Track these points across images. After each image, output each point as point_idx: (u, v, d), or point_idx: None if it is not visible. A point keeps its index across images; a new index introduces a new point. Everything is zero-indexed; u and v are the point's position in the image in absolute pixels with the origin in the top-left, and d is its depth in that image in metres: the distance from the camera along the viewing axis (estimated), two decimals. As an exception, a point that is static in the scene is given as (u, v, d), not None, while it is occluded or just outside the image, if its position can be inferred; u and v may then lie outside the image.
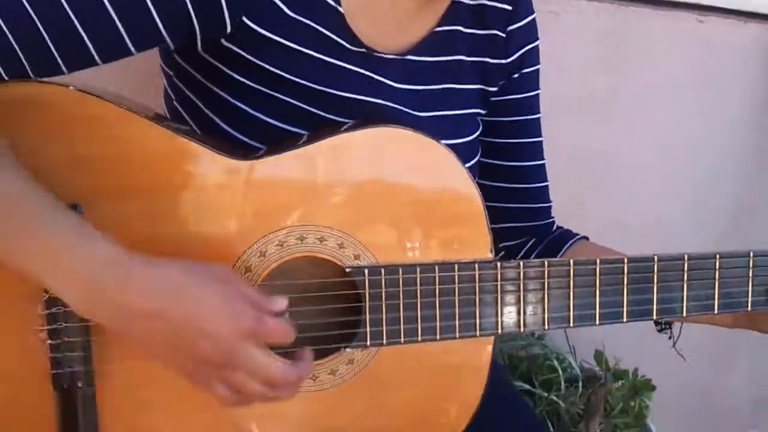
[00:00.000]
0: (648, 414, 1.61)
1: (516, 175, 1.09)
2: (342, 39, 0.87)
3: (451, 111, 0.97)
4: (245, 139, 0.86)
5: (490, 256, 0.87)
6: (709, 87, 1.83)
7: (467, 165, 0.89)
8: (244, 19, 0.82)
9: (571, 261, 0.88)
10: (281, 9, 0.83)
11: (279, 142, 0.84)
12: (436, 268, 0.85)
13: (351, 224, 0.83)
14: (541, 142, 1.10)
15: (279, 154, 0.81)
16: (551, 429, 1.48)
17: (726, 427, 2.10)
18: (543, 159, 1.10)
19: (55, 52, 0.75)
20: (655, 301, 0.90)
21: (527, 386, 1.49)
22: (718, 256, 0.91)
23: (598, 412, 1.48)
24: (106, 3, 0.75)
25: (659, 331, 1.08)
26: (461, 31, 0.97)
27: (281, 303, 0.75)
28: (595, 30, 1.73)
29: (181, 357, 0.74)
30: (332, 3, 0.86)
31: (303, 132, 0.86)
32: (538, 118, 1.09)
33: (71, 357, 0.78)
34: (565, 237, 1.10)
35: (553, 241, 1.10)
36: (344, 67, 0.88)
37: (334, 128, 0.84)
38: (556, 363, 1.52)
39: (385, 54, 0.91)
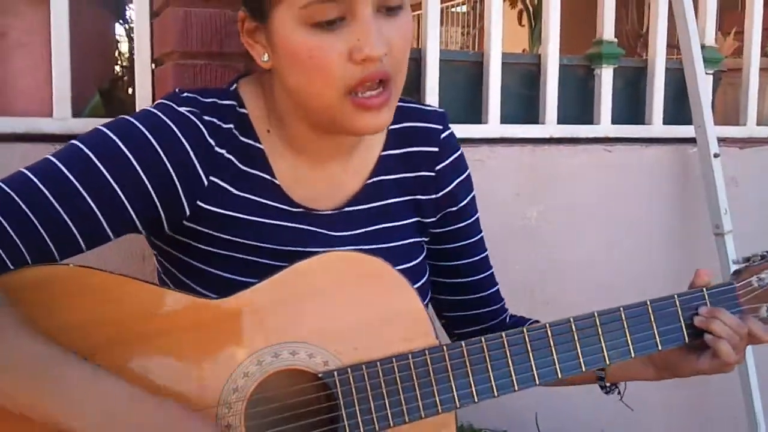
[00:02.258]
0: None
1: (466, 287, 1.26)
2: (282, 204, 1.08)
3: (390, 244, 1.14)
4: (214, 296, 1.03)
5: (436, 342, 1.04)
6: (622, 202, 2.09)
7: (416, 286, 1.07)
8: (199, 202, 1.03)
9: (503, 333, 1.05)
10: (229, 190, 1.05)
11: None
12: (393, 360, 1.02)
13: (316, 337, 1.00)
14: (486, 256, 1.26)
15: (245, 290, 1.00)
16: None
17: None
18: (485, 254, 1.27)
19: (50, 244, 0.95)
20: (580, 355, 1.07)
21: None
22: (621, 309, 1.09)
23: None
24: (91, 203, 0.96)
25: (606, 393, 1.23)
26: (391, 179, 1.15)
27: None
28: (517, 168, 1.99)
29: None
30: (269, 178, 1.07)
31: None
32: (481, 237, 1.26)
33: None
34: (521, 323, 1.27)
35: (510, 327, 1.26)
36: (287, 226, 1.08)
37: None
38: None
39: (321, 211, 1.10)
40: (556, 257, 2.03)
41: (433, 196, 1.19)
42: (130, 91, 2.19)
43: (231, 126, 1.05)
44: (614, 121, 2.19)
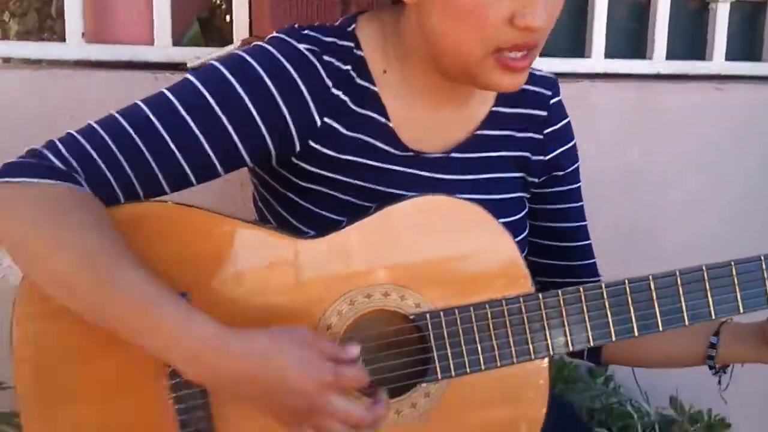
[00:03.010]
0: (728, 450, 1.66)
1: (562, 251, 1.23)
2: (392, 147, 1.06)
3: (494, 195, 1.12)
4: (306, 229, 1.05)
5: (532, 289, 1.02)
6: (731, 145, 1.98)
7: (516, 240, 1.04)
8: (311, 142, 1.02)
9: (603, 284, 1.02)
10: (339, 131, 1.03)
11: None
12: (487, 305, 1.00)
13: (408, 279, 0.99)
14: (585, 226, 1.24)
15: (339, 230, 0.99)
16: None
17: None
18: (585, 222, 1.24)
19: (161, 178, 0.96)
20: (684, 309, 1.02)
21: (605, 432, 1.58)
22: (733, 263, 1.04)
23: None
24: (203, 140, 0.97)
25: (714, 374, 1.17)
26: (499, 134, 1.13)
27: (354, 351, 0.91)
28: (620, 106, 1.91)
29: (275, 410, 0.90)
30: (382, 120, 1.05)
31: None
32: (582, 206, 1.23)
33: (195, 415, 0.95)
34: None
35: None
36: (394, 170, 1.07)
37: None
38: (631, 409, 1.60)
39: (429, 154, 1.08)
40: (656, 199, 1.95)
41: (540, 158, 1.17)
42: (227, 18, 2.19)
43: (349, 68, 1.04)
44: (728, 58, 2.07)
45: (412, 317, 0.99)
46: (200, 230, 0.97)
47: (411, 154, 1.07)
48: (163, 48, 1.64)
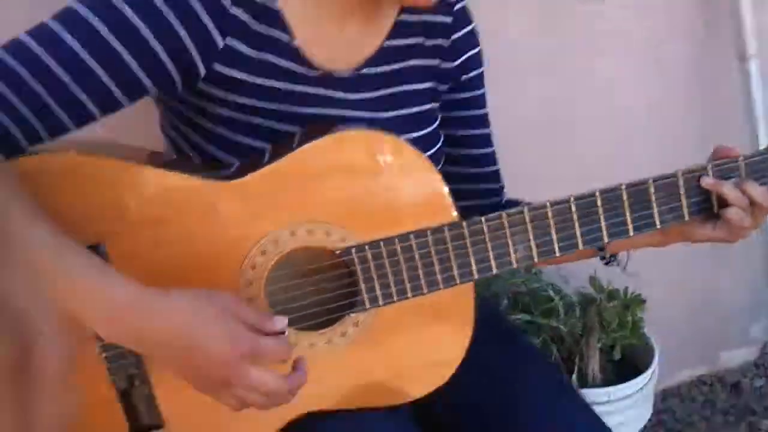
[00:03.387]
0: (643, 325, 1.77)
1: (467, 159, 1.23)
2: (300, 67, 1.02)
3: (406, 110, 1.11)
4: (223, 155, 1.02)
5: (456, 219, 1.03)
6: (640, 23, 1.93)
7: (428, 153, 1.04)
8: (215, 65, 0.97)
9: (525, 206, 1.03)
10: (244, 52, 0.98)
11: (247, 156, 1.00)
12: (412, 236, 1.01)
13: (332, 216, 0.98)
14: (489, 133, 1.23)
15: (259, 170, 0.97)
16: (555, 352, 1.65)
17: (726, 326, 2.26)
18: (489, 130, 1.24)
19: (62, 114, 0.90)
20: (603, 228, 1.05)
21: (529, 317, 1.66)
22: (651, 180, 1.05)
23: (596, 329, 1.65)
24: (99, 73, 0.90)
25: (606, 264, 1.21)
26: (407, 44, 1.10)
27: (281, 322, 0.91)
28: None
29: (191, 375, 0.90)
30: (288, 39, 1.00)
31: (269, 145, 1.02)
32: (486, 113, 1.22)
33: (126, 364, 0.95)
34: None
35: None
36: (306, 92, 1.03)
37: (307, 137, 0.99)
38: (552, 293, 1.68)
39: (338, 73, 1.05)
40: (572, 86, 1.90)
41: (448, 65, 1.15)
42: None
43: None
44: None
45: (337, 252, 0.99)
46: (110, 180, 0.93)
47: (320, 73, 1.03)
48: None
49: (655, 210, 1.05)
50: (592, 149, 1.82)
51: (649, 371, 1.77)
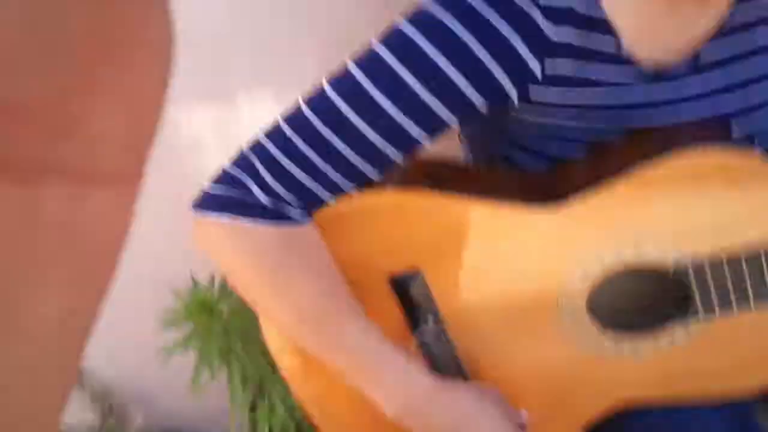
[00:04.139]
0: None
1: None
2: (626, 69, 0.84)
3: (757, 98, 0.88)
4: (532, 164, 0.93)
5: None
6: None
7: None
8: (531, 96, 0.85)
9: None
10: (568, 78, 0.84)
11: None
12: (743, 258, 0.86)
13: (660, 235, 0.87)
14: None
15: (575, 203, 0.86)
16: None
17: None
18: None
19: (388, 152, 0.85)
20: None
21: None
22: None
23: None
24: (400, 119, 0.82)
25: None
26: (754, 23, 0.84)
27: (525, 416, 0.95)
28: None
29: None
30: (613, 44, 0.82)
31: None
32: None
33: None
34: None
35: None
36: (631, 95, 0.86)
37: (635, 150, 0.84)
38: None
39: (668, 67, 0.85)
40: None
41: None
42: None
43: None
44: None
45: (672, 271, 0.88)
46: (425, 212, 0.89)
47: (649, 70, 0.84)
48: None
49: None
50: None
51: None
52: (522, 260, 0.90)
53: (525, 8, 0.79)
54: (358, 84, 0.81)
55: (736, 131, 0.88)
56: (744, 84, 0.86)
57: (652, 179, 0.83)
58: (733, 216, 0.85)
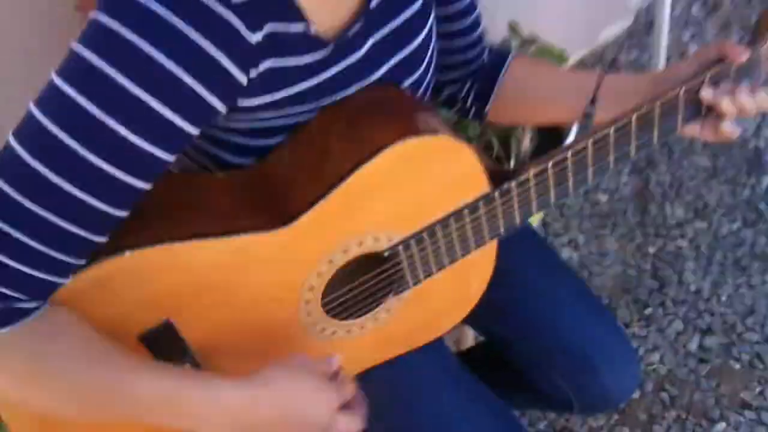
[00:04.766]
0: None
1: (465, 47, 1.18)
2: (316, 52, 0.90)
3: (413, 44, 1.01)
4: (239, 160, 0.96)
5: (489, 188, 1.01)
6: None
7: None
8: (239, 101, 0.86)
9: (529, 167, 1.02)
10: (269, 75, 0.86)
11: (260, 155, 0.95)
12: (451, 219, 1.01)
13: (381, 224, 0.98)
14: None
15: (305, 213, 0.92)
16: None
17: None
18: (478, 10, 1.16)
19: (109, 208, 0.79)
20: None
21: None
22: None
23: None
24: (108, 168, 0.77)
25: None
26: None
27: (337, 361, 0.94)
28: None
29: None
30: (302, 28, 0.86)
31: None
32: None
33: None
34: (496, 66, 1.22)
35: (486, 74, 1.23)
36: (324, 78, 0.92)
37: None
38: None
39: (344, 33, 0.91)
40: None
41: None
42: None
43: None
44: None
45: (385, 254, 1.00)
46: (157, 267, 0.87)
47: (331, 47, 0.91)
48: None
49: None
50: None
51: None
52: (259, 283, 0.94)
53: (222, 15, 0.76)
54: (54, 135, 0.73)
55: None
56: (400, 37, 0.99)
57: (360, 182, 0.92)
58: (429, 194, 0.99)
